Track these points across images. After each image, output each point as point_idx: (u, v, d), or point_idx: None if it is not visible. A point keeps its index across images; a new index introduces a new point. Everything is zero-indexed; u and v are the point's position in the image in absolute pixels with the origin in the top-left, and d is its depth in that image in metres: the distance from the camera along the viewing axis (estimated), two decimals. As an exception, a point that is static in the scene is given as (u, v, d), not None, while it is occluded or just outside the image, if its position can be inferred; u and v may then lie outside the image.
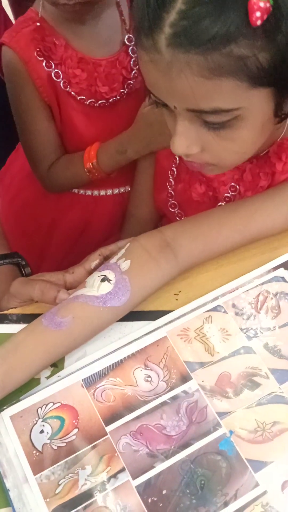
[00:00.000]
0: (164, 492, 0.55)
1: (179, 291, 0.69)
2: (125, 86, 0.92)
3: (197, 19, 0.50)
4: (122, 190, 1.06)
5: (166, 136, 0.85)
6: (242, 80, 0.53)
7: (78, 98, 0.91)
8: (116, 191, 1.06)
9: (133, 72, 0.91)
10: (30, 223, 1.12)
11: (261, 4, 0.49)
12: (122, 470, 0.57)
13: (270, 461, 0.56)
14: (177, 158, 0.84)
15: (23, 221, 1.12)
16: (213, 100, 0.55)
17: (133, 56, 0.90)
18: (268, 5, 0.49)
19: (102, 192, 1.06)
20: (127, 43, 0.90)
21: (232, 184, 0.78)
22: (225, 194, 0.79)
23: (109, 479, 0.56)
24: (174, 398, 0.61)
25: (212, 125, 0.58)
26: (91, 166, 0.96)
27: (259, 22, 0.50)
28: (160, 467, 0.57)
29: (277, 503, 0.54)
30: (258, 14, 0.49)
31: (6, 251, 0.74)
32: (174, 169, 0.85)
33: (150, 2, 0.53)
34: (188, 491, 0.55)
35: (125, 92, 0.92)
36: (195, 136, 0.60)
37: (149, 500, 0.55)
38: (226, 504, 0.54)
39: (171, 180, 0.86)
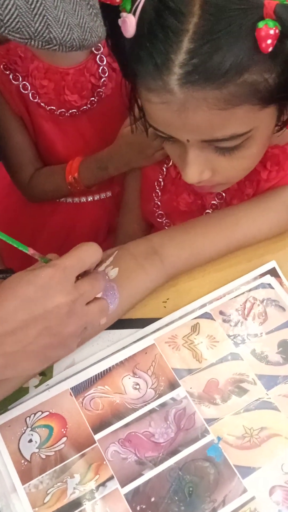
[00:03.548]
0: (152, 499, 0.55)
1: (167, 299, 0.69)
2: (95, 94, 0.92)
3: (209, 56, 0.50)
4: (103, 196, 1.07)
5: (145, 156, 0.87)
6: (255, 103, 0.54)
7: (48, 108, 0.92)
8: (97, 197, 1.07)
9: (102, 79, 0.91)
10: (12, 231, 1.12)
11: (271, 32, 0.48)
12: (111, 478, 0.57)
13: (258, 466, 0.57)
14: (164, 170, 0.85)
15: (5, 229, 1.12)
16: (228, 128, 0.56)
17: (101, 64, 0.90)
18: (277, 31, 0.49)
19: (83, 199, 1.07)
20: (94, 51, 0.90)
21: (219, 191, 0.79)
22: (212, 202, 0.80)
23: (97, 487, 0.56)
24: (163, 405, 0.61)
25: (224, 149, 0.59)
26: (73, 180, 0.98)
27: (270, 49, 0.49)
28: (148, 474, 0.57)
29: (265, 508, 0.54)
30: (269, 41, 0.49)
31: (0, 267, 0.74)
32: (161, 180, 0.86)
33: (153, 45, 0.52)
34: (176, 498, 0.55)
35: (95, 100, 0.93)
36: (207, 162, 0.61)
37: (138, 508, 0.55)
38: (214, 510, 0.54)
39: (158, 191, 0.86)
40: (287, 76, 0.54)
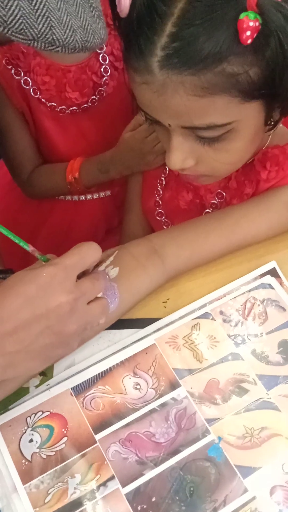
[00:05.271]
0: (153, 499, 0.55)
1: (168, 299, 0.70)
2: (96, 92, 0.92)
3: (189, 41, 0.51)
4: (102, 194, 1.08)
5: (146, 160, 0.87)
6: (235, 95, 0.54)
7: (49, 104, 0.92)
8: (96, 195, 1.07)
9: (104, 78, 0.91)
10: (11, 229, 1.12)
11: (251, 24, 0.49)
12: (112, 478, 0.57)
13: (259, 466, 0.57)
14: (167, 169, 0.85)
15: (5, 226, 1.12)
16: (207, 116, 0.56)
17: (103, 63, 0.90)
18: (257, 24, 0.50)
19: (82, 197, 1.07)
20: (97, 50, 0.90)
21: (219, 191, 0.79)
22: (212, 201, 0.80)
23: (98, 487, 0.56)
24: (163, 405, 0.61)
25: (207, 139, 0.59)
26: (73, 180, 0.98)
27: (249, 41, 0.50)
28: (149, 474, 0.57)
29: (266, 508, 0.55)
30: (248, 33, 0.50)
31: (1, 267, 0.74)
32: (163, 178, 0.86)
33: (139, 26, 0.53)
34: (177, 498, 0.55)
35: (96, 98, 0.93)
36: (190, 150, 0.61)
37: (139, 508, 0.55)
38: (215, 510, 0.54)
39: (159, 189, 0.86)
40: (272, 72, 0.54)
